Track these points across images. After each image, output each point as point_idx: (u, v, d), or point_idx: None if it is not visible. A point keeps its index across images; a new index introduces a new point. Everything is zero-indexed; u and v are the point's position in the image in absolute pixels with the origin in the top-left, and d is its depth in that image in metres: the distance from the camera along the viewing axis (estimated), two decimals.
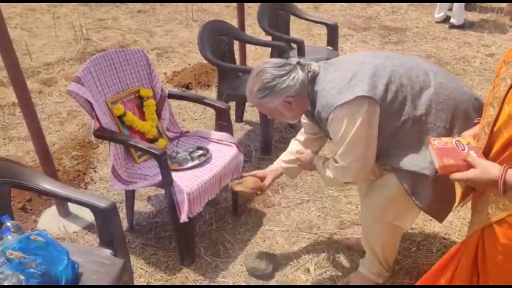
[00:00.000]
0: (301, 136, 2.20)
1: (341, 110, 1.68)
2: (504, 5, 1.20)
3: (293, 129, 3.60)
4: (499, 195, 1.25)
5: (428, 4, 6.51)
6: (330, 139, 1.88)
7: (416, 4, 6.71)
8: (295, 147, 2.18)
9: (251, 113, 3.82)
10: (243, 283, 2.26)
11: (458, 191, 1.48)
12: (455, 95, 1.75)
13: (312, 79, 1.79)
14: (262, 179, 2.19)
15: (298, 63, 1.81)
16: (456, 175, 1.29)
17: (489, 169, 1.23)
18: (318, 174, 2.06)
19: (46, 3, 6.78)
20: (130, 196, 2.53)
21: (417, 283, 1.72)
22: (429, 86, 1.74)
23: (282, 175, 2.24)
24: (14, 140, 3.50)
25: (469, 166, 1.27)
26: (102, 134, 2.28)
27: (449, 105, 1.73)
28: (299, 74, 1.77)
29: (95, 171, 3.15)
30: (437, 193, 1.74)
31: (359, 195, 2.34)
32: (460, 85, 1.84)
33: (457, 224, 2.58)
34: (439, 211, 1.86)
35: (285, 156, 2.21)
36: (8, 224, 1.65)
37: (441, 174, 1.33)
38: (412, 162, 1.73)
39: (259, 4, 3.78)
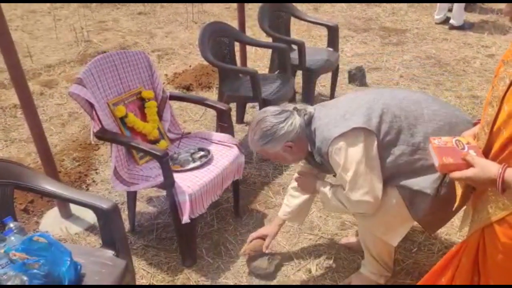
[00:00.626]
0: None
1: (338, 142, 1.75)
2: (503, 6, 1.21)
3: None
4: (499, 194, 1.26)
5: (428, 5, 6.53)
6: (334, 175, 1.94)
7: (416, 5, 6.73)
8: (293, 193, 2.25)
9: (252, 115, 3.82)
10: (245, 284, 2.27)
11: (459, 191, 1.48)
12: (450, 120, 1.80)
13: (309, 121, 1.89)
14: (265, 236, 2.29)
15: (295, 108, 1.90)
16: (456, 174, 1.30)
17: (488, 168, 1.24)
18: (320, 200, 2.10)
19: (48, 2, 6.80)
20: (132, 198, 2.54)
21: (418, 283, 1.73)
22: (423, 115, 1.79)
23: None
24: (15, 142, 3.51)
25: (468, 165, 1.28)
26: (103, 135, 2.29)
27: (445, 130, 1.77)
28: (296, 119, 1.87)
29: (96, 172, 3.15)
30: (433, 208, 1.79)
31: None
32: (452, 109, 1.89)
33: (458, 224, 2.58)
34: (432, 224, 1.93)
35: (287, 200, 2.28)
36: (11, 225, 1.66)
37: (441, 173, 1.34)
38: (414, 182, 1.78)
39: (259, 5, 3.79)
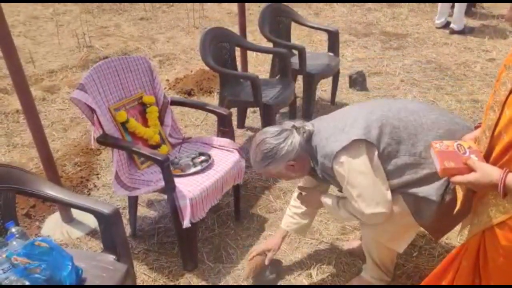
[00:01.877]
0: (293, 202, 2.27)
1: (341, 156, 1.76)
2: (504, 11, 1.22)
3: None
4: (499, 198, 1.26)
5: (428, 9, 6.55)
6: (339, 190, 1.96)
7: (416, 10, 6.75)
8: (296, 203, 2.24)
9: (253, 119, 3.84)
10: None
11: (459, 194, 1.49)
12: (449, 127, 1.80)
13: (308, 138, 1.89)
14: (267, 251, 2.27)
15: (293, 126, 1.91)
16: (457, 178, 1.30)
17: (490, 172, 1.24)
18: (327, 210, 2.12)
19: (53, 2, 6.82)
20: (133, 202, 2.55)
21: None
22: (422, 124, 1.80)
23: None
24: (18, 147, 3.53)
25: (469, 169, 1.29)
26: (105, 140, 2.31)
27: (446, 138, 1.75)
28: (296, 138, 1.88)
29: (98, 177, 3.17)
30: (439, 215, 1.78)
31: None
32: (450, 117, 1.89)
33: (458, 228, 2.57)
34: (438, 230, 1.92)
35: (290, 210, 2.27)
36: (13, 230, 1.66)
37: (442, 177, 1.35)
38: (419, 189, 1.78)
39: (260, 10, 3.81)
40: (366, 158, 1.74)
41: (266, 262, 2.23)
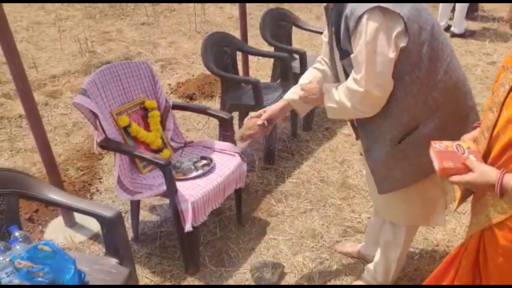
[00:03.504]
0: (317, 64, 2.07)
1: (379, 16, 1.52)
2: (504, 13, 1.23)
3: (296, 138, 3.63)
4: (497, 198, 1.27)
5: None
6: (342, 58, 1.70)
7: None
8: (309, 75, 2.03)
9: None
10: None
11: (458, 193, 1.51)
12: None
13: None
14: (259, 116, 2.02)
15: None
16: (455, 178, 1.32)
17: (487, 173, 1.26)
18: (325, 102, 1.79)
19: (58, 2, 6.83)
20: (135, 206, 2.56)
21: None
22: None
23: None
24: (21, 151, 3.55)
25: (468, 169, 1.30)
26: (107, 145, 2.32)
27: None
28: None
29: (100, 181, 3.18)
30: (388, 161, 1.75)
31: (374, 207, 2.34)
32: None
33: (459, 231, 2.59)
34: (384, 181, 1.83)
35: (295, 88, 2.01)
36: (17, 234, 1.68)
37: (441, 177, 1.37)
38: (382, 126, 1.69)
39: (261, 15, 3.83)
40: (396, 38, 1.54)
41: (259, 122, 1.97)
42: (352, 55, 1.61)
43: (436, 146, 1.41)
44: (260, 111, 2.02)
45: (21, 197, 1.89)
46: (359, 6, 1.54)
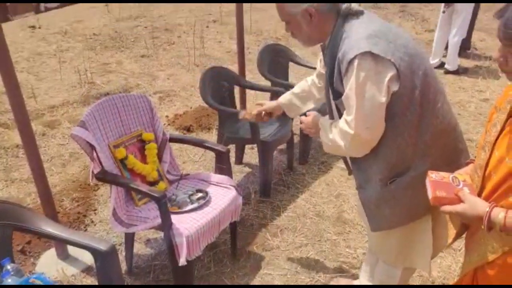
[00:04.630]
0: (311, 78, 2.24)
1: (371, 61, 1.54)
2: (495, 52, 1.28)
3: (292, 171, 3.65)
4: (489, 237, 1.28)
5: (423, 50, 6.71)
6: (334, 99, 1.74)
7: None
8: (302, 85, 2.27)
9: (251, 156, 3.87)
10: None
11: (452, 231, 1.52)
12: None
13: (345, 14, 1.66)
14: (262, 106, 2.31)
15: None
16: (446, 208, 1.34)
17: (477, 205, 1.28)
18: (321, 137, 1.84)
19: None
20: (130, 239, 2.54)
21: None
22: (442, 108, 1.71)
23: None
24: (16, 182, 3.54)
25: (460, 200, 1.32)
26: (104, 177, 2.33)
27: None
28: None
29: (95, 213, 3.17)
30: (380, 200, 1.78)
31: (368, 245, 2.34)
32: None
33: (455, 268, 2.57)
34: (374, 218, 1.87)
35: (288, 92, 2.30)
36: (8, 267, 1.66)
37: (433, 205, 1.38)
38: (374, 166, 1.73)
39: (259, 49, 3.91)
40: (388, 82, 1.55)
41: (254, 112, 2.29)
42: (343, 97, 1.64)
43: (433, 176, 1.44)
44: (261, 102, 2.36)
45: (15, 229, 1.88)
46: (351, 49, 1.56)
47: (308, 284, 2.50)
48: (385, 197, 1.76)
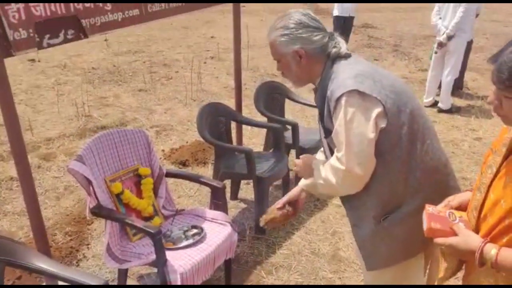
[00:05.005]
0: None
1: (358, 98, 1.60)
2: (489, 92, 1.31)
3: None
4: (484, 277, 1.28)
5: (417, 89, 6.82)
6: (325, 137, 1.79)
7: None
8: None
9: (246, 191, 3.87)
10: None
11: (443, 265, 1.52)
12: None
13: (334, 57, 1.73)
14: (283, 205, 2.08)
15: (331, 33, 1.78)
16: (439, 240, 1.34)
17: (471, 239, 1.29)
18: (314, 178, 1.83)
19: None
20: (123, 274, 2.50)
21: None
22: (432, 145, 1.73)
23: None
24: (9, 215, 3.50)
25: (454, 234, 1.33)
26: (99, 212, 2.31)
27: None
28: (325, 40, 1.74)
29: (88, 247, 3.12)
30: (375, 238, 1.78)
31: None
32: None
33: None
34: (372, 256, 1.85)
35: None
36: None
37: (427, 237, 1.39)
38: (367, 204, 1.73)
39: (256, 86, 3.97)
40: (376, 119, 1.60)
41: (277, 206, 2.05)
42: (332, 134, 1.68)
43: (430, 209, 1.45)
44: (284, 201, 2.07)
45: (7, 264, 1.85)
46: (339, 88, 1.62)
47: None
48: (380, 235, 1.76)
